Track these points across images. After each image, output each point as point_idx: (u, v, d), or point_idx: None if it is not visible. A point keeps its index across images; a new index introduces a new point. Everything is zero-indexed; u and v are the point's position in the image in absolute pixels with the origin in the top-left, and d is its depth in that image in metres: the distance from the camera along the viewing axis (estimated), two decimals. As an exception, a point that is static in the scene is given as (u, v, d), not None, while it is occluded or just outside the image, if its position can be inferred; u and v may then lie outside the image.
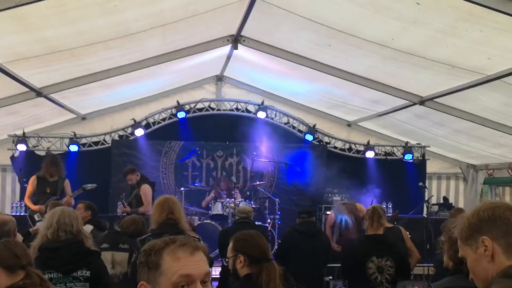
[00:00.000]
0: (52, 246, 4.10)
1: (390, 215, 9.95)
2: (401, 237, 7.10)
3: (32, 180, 8.80)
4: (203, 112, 10.94)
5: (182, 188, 9.93)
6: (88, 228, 7.33)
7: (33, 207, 8.43)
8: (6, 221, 4.68)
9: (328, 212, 9.97)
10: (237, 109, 11.09)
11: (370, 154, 11.08)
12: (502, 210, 1.98)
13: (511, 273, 1.86)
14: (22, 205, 9.65)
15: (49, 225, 4.19)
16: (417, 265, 9.34)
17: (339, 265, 6.94)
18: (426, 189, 10.95)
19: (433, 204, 11.12)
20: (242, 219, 7.10)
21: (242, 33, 8.23)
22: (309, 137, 10.98)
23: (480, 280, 2.02)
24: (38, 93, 7.88)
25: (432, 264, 8.06)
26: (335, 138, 11.44)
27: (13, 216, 5.60)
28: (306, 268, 6.51)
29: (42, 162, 8.94)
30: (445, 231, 3.27)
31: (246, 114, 11.06)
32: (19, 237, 4.98)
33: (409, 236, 7.33)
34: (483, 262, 1.96)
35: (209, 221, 9.57)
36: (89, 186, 8.87)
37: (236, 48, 8.59)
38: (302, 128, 11.21)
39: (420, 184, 10.61)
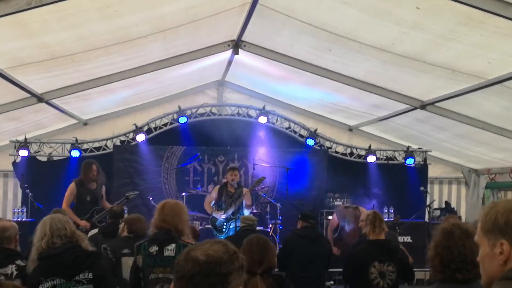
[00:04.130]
0: (51, 253, 4.06)
1: (392, 219, 9.94)
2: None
3: (72, 187, 8.62)
4: (205, 117, 10.94)
5: (183, 193, 9.91)
6: (92, 232, 7.35)
7: (79, 221, 8.10)
8: (6, 227, 4.67)
9: (330, 217, 9.96)
10: (238, 114, 11.09)
11: (371, 159, 11.06)
12: None
13: (511, 276, 1.85)
14: (24, 210, 9.65)
15: (43, 234, 4.14)
16: (419, 269, 9.36)
17: (340, 270, 6.94)
18: (427, 194, 10.92)
19: (435, 209, 11.09)
20: (247, 227, 7.08)
21: (243, 38, 8.24)
22: (310, 142, 10.96)
23: (485, 273, 2.01)
24: (40, 98, 7.89)
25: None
26: (337, 143, 11.43)
27: (14, 221, 5.60)
28: (307, 273, 6.51)
29: (81, 169, 8.83)
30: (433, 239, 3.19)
31: (247, 119, 11.06)
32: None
33: (410, 241, 7.32)
34: (494, 261, 1.94)
35: (210, 226, 9.55)
36: (132, 194, 8.79)
37: (237, 53, 8.60)
38: (303, 132, 11.20)
39: (422, 188, 10.58)
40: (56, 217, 4.32)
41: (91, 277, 4.08)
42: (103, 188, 8.99)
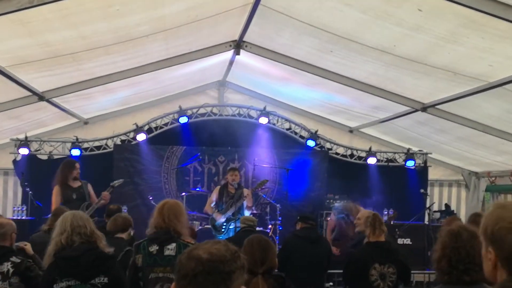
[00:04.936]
0: (70, 254, 4.03)
1: (389, 216, 9.96)
2: None
3: (57, 189, 8.52)
4: (205, 117, 10.92)
5: (183, 193, 9.90)
6: None
7: None
8: (2, 225, 4.66)
9: (329, 219, 9.95)
10: (239, 114, 11.08)
11: (372, 161, 11.05)
12: None
13: (508, 287, 1.86)
14: (24, 209, 9.64)
15: (63, 230, 4.12)
16: (419, 272, 9.36)
17: (340, 271, 6.93)
18: (427, 196, 10.91)
19: (435, 211, 11.09)
20: (248, 227, 7.08)
21: (244, 39, 8.25)
22: (311, 143, 10.95)
23: (484, 270, 2.06)
24: (40, 97, 7.90)
25: (433, 271, 8.04)
26: (337, 144, 11.41)
27: (13, 220, 5.60)
28: (307, 274, 6.50)
29: (60, 170, 8.67)
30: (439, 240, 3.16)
31: (248, 119, 11.05)
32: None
33: (410, 243, 7.32)
34: (488, 263, 1.99)
35: (210, 226, 9.55)
36: (117, 182, 8.76)
37: (238, 53, 8.61)
38: (304, 134, 11.18)
39: (422, 191, 10.57)
40: (77, 214, 4.29)
41: (107, 282, 4.06)
42: (89, 185, 8.84)
